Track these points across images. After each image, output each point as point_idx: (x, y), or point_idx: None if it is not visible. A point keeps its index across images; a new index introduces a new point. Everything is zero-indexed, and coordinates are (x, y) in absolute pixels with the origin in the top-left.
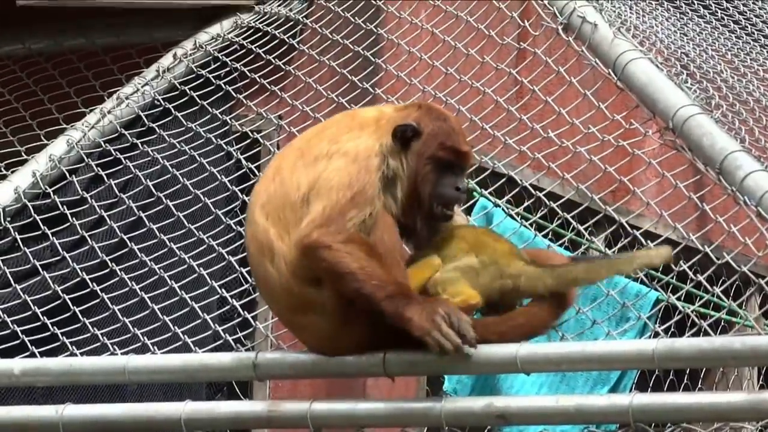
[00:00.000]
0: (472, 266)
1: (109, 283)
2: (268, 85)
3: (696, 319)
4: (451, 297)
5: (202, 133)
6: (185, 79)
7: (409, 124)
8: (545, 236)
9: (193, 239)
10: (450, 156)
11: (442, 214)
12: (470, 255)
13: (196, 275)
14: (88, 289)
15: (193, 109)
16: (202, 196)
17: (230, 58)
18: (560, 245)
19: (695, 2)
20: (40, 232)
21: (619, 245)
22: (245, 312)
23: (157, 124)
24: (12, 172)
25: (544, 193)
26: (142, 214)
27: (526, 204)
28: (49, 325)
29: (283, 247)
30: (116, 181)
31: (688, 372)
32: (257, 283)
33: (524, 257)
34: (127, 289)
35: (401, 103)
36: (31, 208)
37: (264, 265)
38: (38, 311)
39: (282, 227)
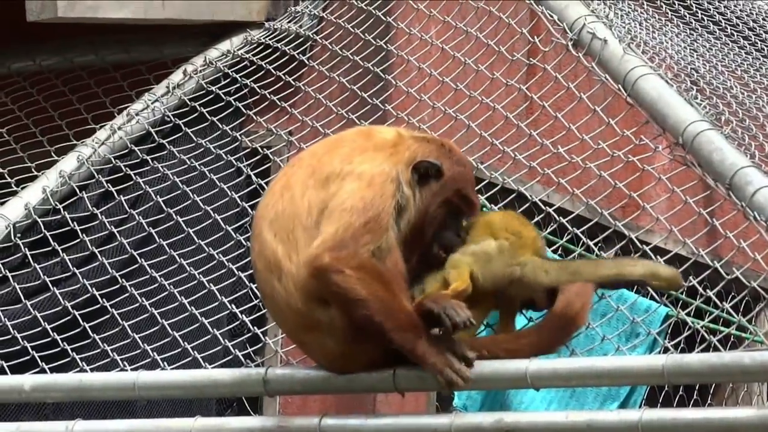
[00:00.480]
0: (487, 251)
1: (119, 299)
2: (278, 101)
3: (706, 335)
4: (451, 280)
5: (213, 149)
6: (195, 95)
7: (434, 163)
8: (555, 251)
9: (203, 255)
10: (462, 204)
11: (439, 257)
12: (490, 239)
13: (206, 291)
14: (98, 305)
15: (204, 125)
16: (212, 212)
17: (240, 74)
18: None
19: (705, 18)
20: (50, 248)
21: None
22: (255, 327)
23: (167, 140)
24: (22, 188)
25: (553, 208)
26: (152, 230)
27: (536, 219)
28: (59, 341)
29: (291, 266)
30: (126, 198)
31: (697, 388)
32: (264, 300)
33: (541, 252)
34: (137, 304)
35: (419, 128)
36: (41, 224)
37: (271, 283)
38: (48, 327)
39: (290, 247)
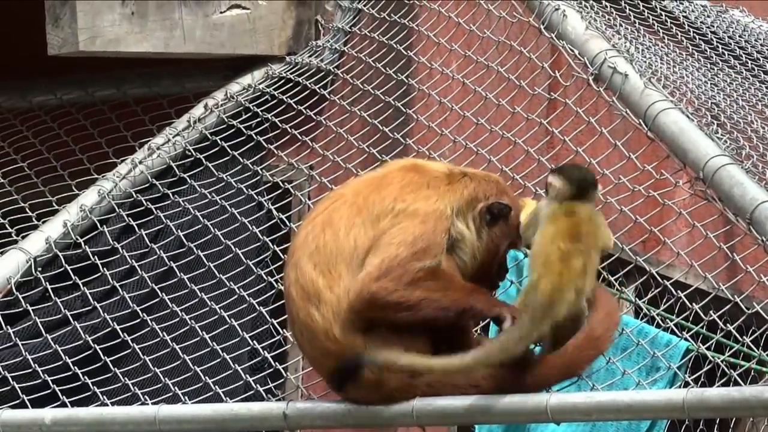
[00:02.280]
0: None
1: (140, 333)
2: (299, 136)
3: (726, 369)
4: None
5: (233, 184)
6: (216, 129)
7: (507, 205)
8: None
9: (224, 289)
10: (518, 241)
11: (497, 285)
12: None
13: (227, 326)
14: (119, 339)
15: (224, 159)
16: (233, 247)
17: (261, 108)
18: None
19: (726, 52)
20: (71, 282)
21: (650, 295)
22: (276, 363)
23: (188, 174)
24: (43, 222)
25: None
26: (173, 265)
27: None
28: (80, 375)
29: (332, 296)
30: (147, 232)
31: (718, 422)
32: (294, 325)
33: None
34: (157, 339)
35: (465, 165)
36: (62, 258)
37: (308, 309)
38: (69, 361)
39: (332, 280)
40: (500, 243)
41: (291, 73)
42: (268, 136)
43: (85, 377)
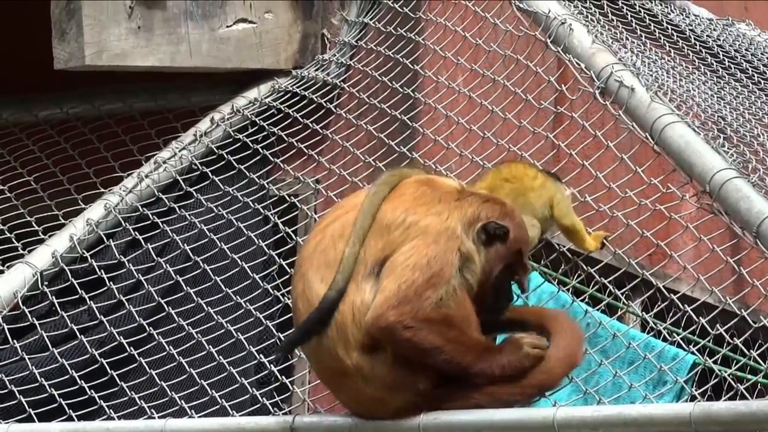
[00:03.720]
0: None
1: (146, 347)
2: (305, 149)
3: (733, 383)
4: None
5: (240, 198)
6: (223, 143)
7: (502, 225)
8: (582, 300)
9: (230, 303)
10: (519, 269)
11: (499, 313)
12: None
13: (233, 339)
14: (126, 353)
15: (231, 173)
16: (239, 261)
17: (267, 122)
18: (597, 309)
19: (732, 66)
20: (77, 296)
21: (656, 309)
22: (283, 377)
23: (194, 188)
24: (49, 236)
25: (581, 258)
26: (180, 279)
27: (563, 268)
28: (87, 389)
29: (336, 314)
30: (154, 246)
31: None
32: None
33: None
34: (164, 353)
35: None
36: (68, 272)
37: None
38: (76, 375)
39: None
40: (493, 266)
41: (297, 87)
42: (274, 149)
43: (92, 391)
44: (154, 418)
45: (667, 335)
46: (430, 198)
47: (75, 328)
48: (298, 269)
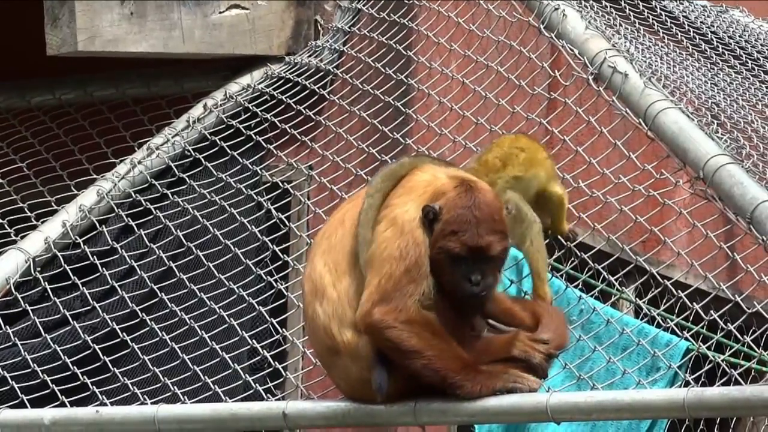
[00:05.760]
0: None
1: (139, 333)
2: (298, 136)
3: (726, 369)
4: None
5: (233, 184)
6: (215, 129)
7: (431, 208)
8: (576, 287)
9: (223, 289)
10: (459, 248)
11: (470, 300)
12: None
13: (226, 325)
14: (118, 339)
15: (224, 159)
16: (232, 247)
17: (260, 108)
18: (591, 296)
19: (726, 52)
20: (70, 282)
21: (650, 295)
22: (276, 362)
23: (187, 174)
24: (42, 222)
25: (574, 243)
26: (173, 265)
27: (556, 255)
28: (79, 375)
29: (333, 293)
30: (146, 232)
31: (718, 422)
32: (305, 321)
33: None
34: (157, 339)
35: (461, 166)
36: (61, 258)
37: (313, 305)
38: (68, 361)
39: (336, 277)
40: (431, 251)
41: (290, 73)
42: (267, 136)
43: (84, 377)
44: (146, 404)
45: (660, 321)
46: (404, 188)
47: (67, 314)
48: (310, 252)
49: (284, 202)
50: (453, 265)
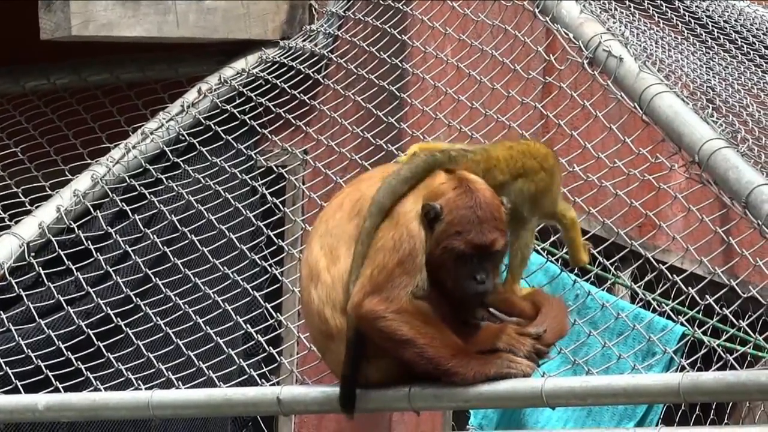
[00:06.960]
0: None
1: (133, 318)
2: (293, 120)
3: (722, 353)
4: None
5: (227, 168)
6: (210, 114)
7: (432, 207)
8: (571, 271)
9: (218, 274)
10: (465, 248)
11: (473, 300)
12: None
13: (221, 310)
14: (113, 324)
15: (218, 144)
16: (226, 231)
17: (255, 92)
18: (586, 280)
19: (721, 36)
20: (64, 267)
21: (645, 280)
22: (270, 347)
23: (181, 159)
24: (36, 207)
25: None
26: (167, 249)
27: (552, 239)
28: (74, 360)
29: (328, 277)
30: (141, 216)
31: (714, 407)
32: (302, 305)
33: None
34: (151, 324)
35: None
36: (55, 243)
37: (309, 289)
38: (62, 346)
39: (331, 261)
40: (434, 250)
41: (285, 58)
42: (262, 120)
43: (79, 362)
44: (140, 389)
45: (656, 306)
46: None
47: (62, 299)
48: (308, 237)
49: (279, 186)
50: (458, 264)
